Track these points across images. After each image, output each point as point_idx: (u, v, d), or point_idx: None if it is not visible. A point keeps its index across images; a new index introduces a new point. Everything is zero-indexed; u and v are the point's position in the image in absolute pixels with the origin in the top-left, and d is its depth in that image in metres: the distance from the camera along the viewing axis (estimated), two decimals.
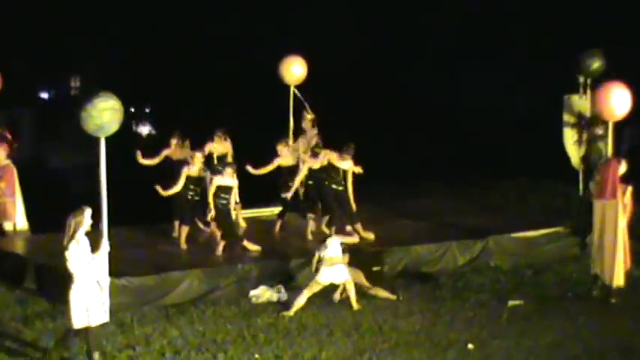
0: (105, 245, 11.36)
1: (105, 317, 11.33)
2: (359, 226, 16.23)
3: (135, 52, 33.02)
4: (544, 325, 12.95)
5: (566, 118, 22.14)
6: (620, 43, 25.11)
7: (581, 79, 21.75)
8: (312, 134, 17.61)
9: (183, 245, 15.60)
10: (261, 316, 13.22)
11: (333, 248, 13.61)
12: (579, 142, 22.05)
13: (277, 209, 17.15)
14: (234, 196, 15.34)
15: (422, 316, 13.31)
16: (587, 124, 20.28)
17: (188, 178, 15.62)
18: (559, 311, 13.63)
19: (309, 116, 17.71)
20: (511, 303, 13.94)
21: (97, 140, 11.68)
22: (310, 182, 16.31)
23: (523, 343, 12.28)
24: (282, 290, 14.09)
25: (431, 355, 11.82)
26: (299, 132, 17.99)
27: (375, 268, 14.54)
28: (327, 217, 16.30)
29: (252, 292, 14.09)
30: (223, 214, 15.23)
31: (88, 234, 11.09)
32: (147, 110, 34.56)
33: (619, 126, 23.60)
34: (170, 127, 18.09)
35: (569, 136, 22.21)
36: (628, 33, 26.51)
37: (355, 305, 13.56)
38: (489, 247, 16.13)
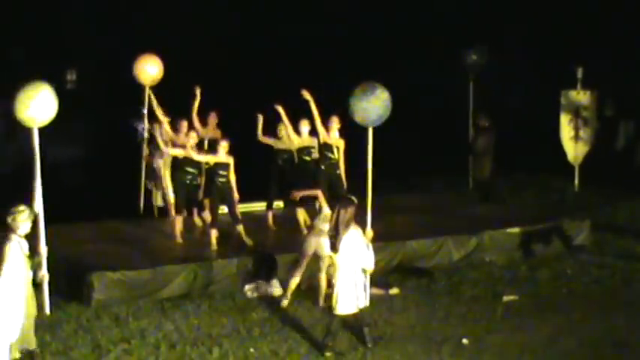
0: (369, 231, 12.12)
1: (367, 301, 11.70)
2: None
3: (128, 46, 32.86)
4: (539, 320, 12.97)
5: (564, 113, 22.25)
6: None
7: (579, 74, 21.84)
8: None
9: (179, 239, 15.56)
10: (256, 311, 13.23)
11: (324, 221, 13.38)
12: (576, 137, 22.17)
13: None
14: (232, 174, 15.23)
15: (417, 311, 13.33)
16: (475, 116, 20.66)
17: (187, 160, 15.43)
18: (553, 306, 13.65)
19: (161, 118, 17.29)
20: (506, 298, 13.97)
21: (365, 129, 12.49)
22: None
23: (518, 338, 12.31)
24: (278, 285, 14.09)
25: (426, 350, 11.83)
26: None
27: None
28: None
29: (248, 286, 14.09)
30: (220, 192, 15.20)
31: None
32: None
33: (614, 122, 23.66)
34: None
35: (566, 132, 22.30)
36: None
37: (322, 302, 13.40)
38: (484, 243, 16.14)
